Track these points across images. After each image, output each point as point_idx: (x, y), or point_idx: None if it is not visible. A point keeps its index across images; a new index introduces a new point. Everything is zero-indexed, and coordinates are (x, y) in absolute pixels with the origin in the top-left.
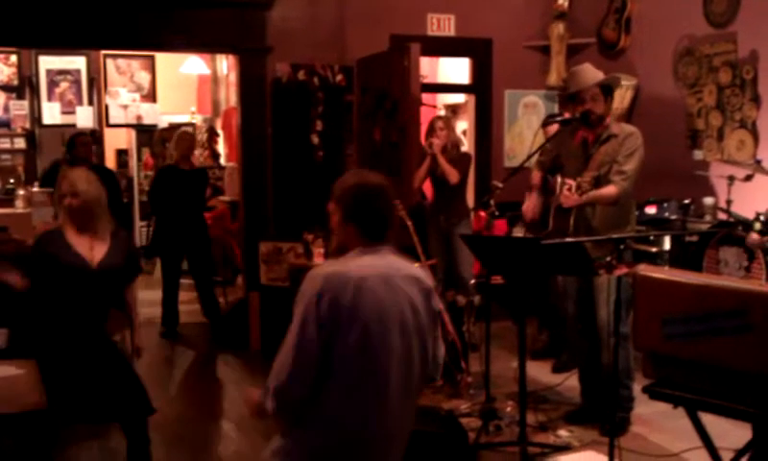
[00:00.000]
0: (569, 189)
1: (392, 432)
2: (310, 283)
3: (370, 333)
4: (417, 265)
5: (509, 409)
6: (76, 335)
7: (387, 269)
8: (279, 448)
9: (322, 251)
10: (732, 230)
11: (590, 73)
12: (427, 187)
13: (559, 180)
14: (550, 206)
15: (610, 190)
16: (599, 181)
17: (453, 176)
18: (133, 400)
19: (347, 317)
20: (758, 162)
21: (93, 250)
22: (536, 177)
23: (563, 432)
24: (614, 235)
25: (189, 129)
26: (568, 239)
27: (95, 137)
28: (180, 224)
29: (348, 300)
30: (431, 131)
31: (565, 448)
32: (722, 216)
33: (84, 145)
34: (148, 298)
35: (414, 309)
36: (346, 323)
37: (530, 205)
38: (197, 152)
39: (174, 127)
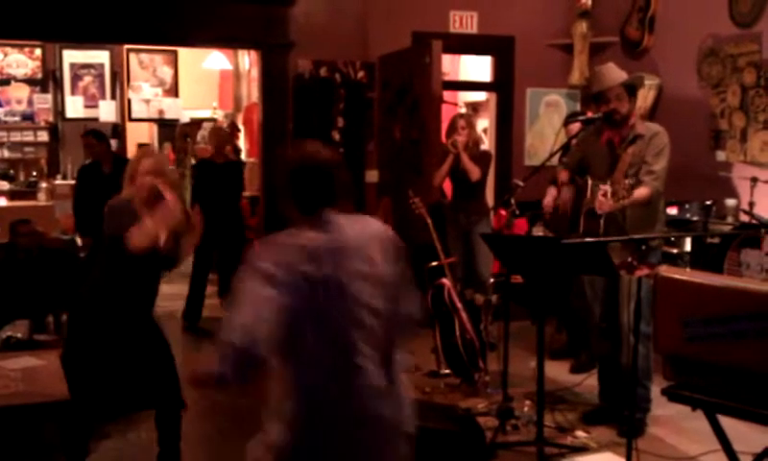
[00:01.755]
0: (605, 195)
1: (376, 410)
2: (263, 251)
3: (324, 303)
4: (376, 221)
5: (526, 409)
6: (131, 315)
7: (334, 238)
8: (267, 440)
9: None
10: (755, 233)
11: (614, 72)
12: (447, 185)
13: (590, 182)
14: (579, 209)
15: (642, 192)
16: (634, 187)
17: (475, 173)
18: (171, 390)
19: (299, 286)
20: None
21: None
22: (564, 175)
23: (580, 433)
24: (637, 236)
25: (222, 123)
26: (588, 239)
27: (117, 131)
28: (215, 218)
29: (299, 269)
30: (452, 129)
31: (583, 450)
32: (744, 218)
33: (89, 146)
34: (167, 292)
35: (370, 272)
36: (299, 293)
37: (551, 199)
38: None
39: (195, 122)
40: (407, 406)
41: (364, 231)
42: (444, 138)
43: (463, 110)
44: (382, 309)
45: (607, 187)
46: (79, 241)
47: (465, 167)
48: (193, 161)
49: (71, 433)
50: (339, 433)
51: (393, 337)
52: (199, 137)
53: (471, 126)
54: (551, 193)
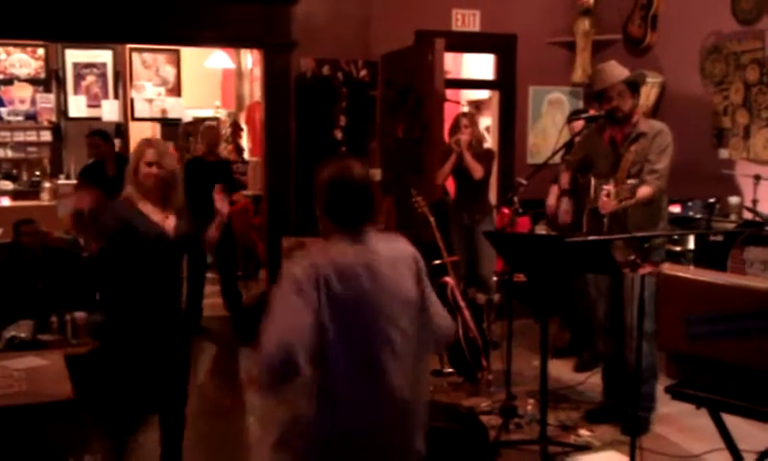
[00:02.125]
0: (608, 195)
1: (396, 420)
2: (298, 267)
3: (356, 319)
4: (404, 241)
5: (530, 408)
6: (157, 310)
7: (369, 255)
8: (279, 439)
9: None
10: (758, 230)
11: (616, 70)
12: (450, 184)
13: (593, 182)
14: (582, 208)
15: (645, 191)
16: (636, 188)
17: (478, 171)
18: (182, 389)
19: (333, 302)
20: None
21: (166, 221)
22: (565, 179)
23: (583, 432)
24: (640, 234)
25: (213, 122)
26: (591, 237)
27: (120, 131)
28: (205, 216)
29: (333, 285)
30: (456, 127)
31: (586, 448)
32: (747, 216)
33: (93, 146)
34: None
35: (400, 291)
36: (332, 308)
37: (555, 204)
38: (221, 146)
39: (198, 121)
40: (423, 427)
41: (394, 250)
42: (447, 137)
43: (465, 109)
44: (409, 328)
45: (610, 187)
46: (81, 241)
47: (468, 166)
48: None
49: (113, 433)
50: (358, 448)
51: (418, 355)
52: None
53: (474, 124)
54: (554, 192)
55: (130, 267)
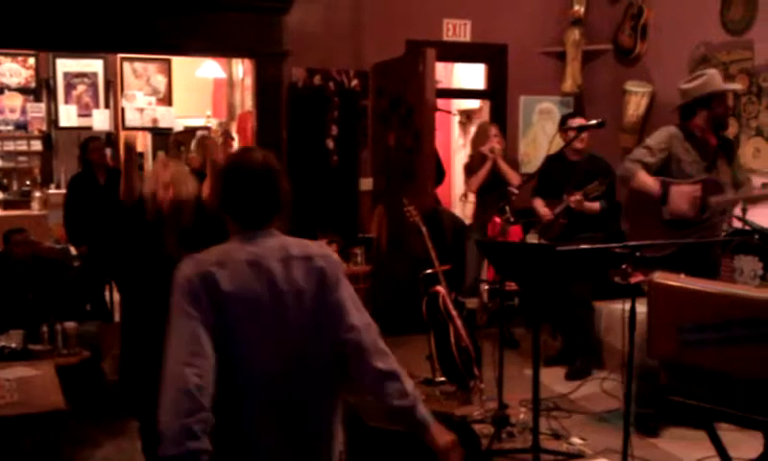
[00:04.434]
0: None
1: (302, 431)
2: (183, 270)
3: (235, 321)
4: (320, 245)
5: (522, 416)
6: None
7: (261, 253)
8: None
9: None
10: (748, 239)
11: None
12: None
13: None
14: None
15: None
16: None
17: (515, 178)
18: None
19: (213, 303)
20: None
21: None
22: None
23: (575, 440)
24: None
25: (205, 131)
26: (583, 246)
27: (110, 140)
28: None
29: (221, 288)
30: (483, 136)
31: (578, 456)
32: (737, 224)
33: (96, 150)
34: None
35: (289, 292)
36: (213, 308)
37: (548, 210)
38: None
39: (189, 130)
40: (335, 434)
41: (299, 252)
42: (472, 147)
43: (457, 118)
44: (304, 334)
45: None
46: (73, 250)
47: (504, 173)
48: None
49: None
50: (264, 449)
51: (318, 362)
52: (192, 146)
53: (501, 134)
54: (540, 203)
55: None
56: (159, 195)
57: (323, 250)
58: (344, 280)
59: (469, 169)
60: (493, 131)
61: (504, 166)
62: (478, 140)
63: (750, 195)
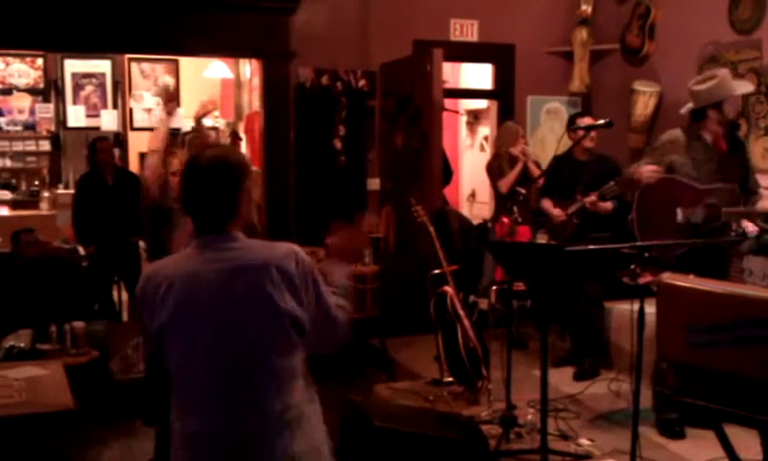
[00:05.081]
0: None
1: (261, 437)
2: (146, 273)
3: (176, 333)
4: (282, 246)
5: (529, 417)
6: None
7: (207, 263)
8: None
9: None
10: (758, 240)
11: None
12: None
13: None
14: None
15: None
16: None
17: (541, 180)
18: None
19: (156, 313)
20: None
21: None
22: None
23: (584, 441)
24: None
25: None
26: (591, 246)
27: (119, 141)
28: None
29: (158, 297)
30: (510, 137)
31: (586, 457)
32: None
33: (104, 150)
34: None
35: (253, 300)
36: (155, 318)
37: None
38: None
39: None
40: (299, 437)
41: (258, 255)
42: (495, 148)
43: (464, 118)
44: (262, 338)
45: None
46: (81, 250)
47: (532, 175)
48: None
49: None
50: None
51: (277, 367)
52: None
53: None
54: (548, 203)
55: None
56: (171, 181)
57: (285, 253)
58: (312, 279)
59: (494, 170)
60: (522, 131)
61: (533, 168)
62: (502, 141)
63: (763, 211)
